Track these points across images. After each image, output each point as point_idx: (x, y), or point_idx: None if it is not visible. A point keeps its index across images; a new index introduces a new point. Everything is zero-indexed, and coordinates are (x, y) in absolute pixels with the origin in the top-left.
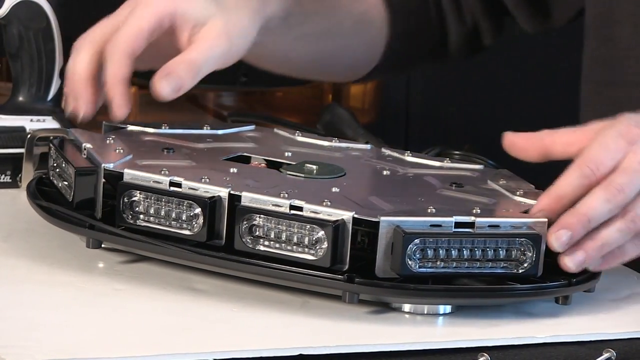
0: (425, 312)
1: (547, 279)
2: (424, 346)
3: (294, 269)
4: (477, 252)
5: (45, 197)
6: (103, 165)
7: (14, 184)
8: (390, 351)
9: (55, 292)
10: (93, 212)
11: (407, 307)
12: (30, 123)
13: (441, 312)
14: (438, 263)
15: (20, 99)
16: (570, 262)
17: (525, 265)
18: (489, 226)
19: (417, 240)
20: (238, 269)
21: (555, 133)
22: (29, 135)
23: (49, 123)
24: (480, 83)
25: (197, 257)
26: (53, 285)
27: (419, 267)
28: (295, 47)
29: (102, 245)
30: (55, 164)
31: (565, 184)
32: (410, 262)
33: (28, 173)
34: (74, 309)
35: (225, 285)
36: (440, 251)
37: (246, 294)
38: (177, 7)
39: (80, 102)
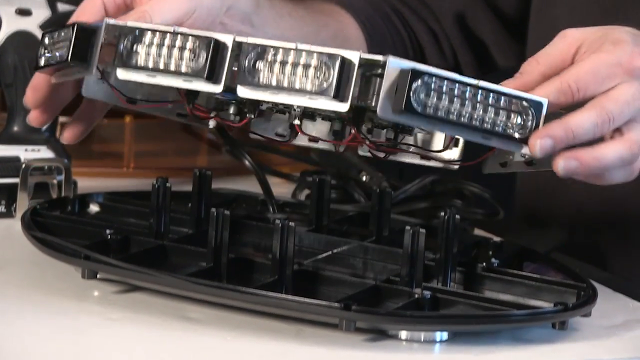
0: (422, 340)
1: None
2: None
3: (289, 297)
4: (479, 108)
5: (39, 227)
6: (106, 20)
7: (8, 214)
8: None
9: (50, 322)
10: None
11: (404, 334)
12: (25, 153)
13: (438, 339)
14: (441, 106)
15: (15, 129)
16: (562, 166)
17: (523, 131)
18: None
19: (425, 78)
20: (232, 297)
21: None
22: (23, 165)
23: (44, 153)
24: None
25: (191, 286)
26: (47, 315)
27: (422, 108)
28: None
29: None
30: (49, 43)
31: (610, 160)
32: (413, 101)
33: (23, 202)
34: (68, 338)
35: (219, 314)
36: (444, 97)
37: (240, 322)
38: None
39: None
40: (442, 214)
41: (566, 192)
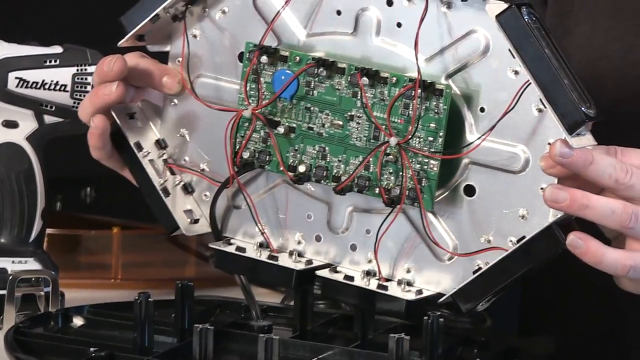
0: None
1: None
2: None
3: None
4: (564, 63)
5: (23, 347)
6: None
7: None
8: None
9: None
10: None
11: None
12: (12, 265)
13: None
14: (536, 34)
15: (2, 240)
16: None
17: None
18: None
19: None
20: None
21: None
22: (10, 277)
23: (31, 265)
24: None
25: None
26: None
27: (525, 20)
28: None
29: None
30: None
31: (599, 205)
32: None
33: (10, 315)
34: None
35: None
36: (540, 34)
37: None
38: None
39: None
40: (426, 318)
41: (566, 303)
